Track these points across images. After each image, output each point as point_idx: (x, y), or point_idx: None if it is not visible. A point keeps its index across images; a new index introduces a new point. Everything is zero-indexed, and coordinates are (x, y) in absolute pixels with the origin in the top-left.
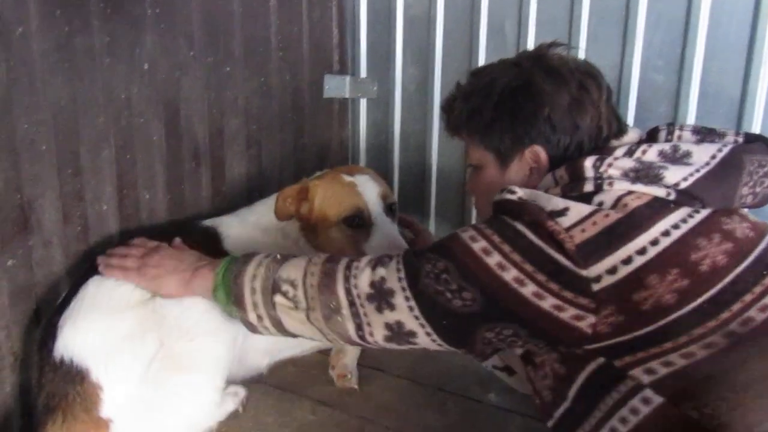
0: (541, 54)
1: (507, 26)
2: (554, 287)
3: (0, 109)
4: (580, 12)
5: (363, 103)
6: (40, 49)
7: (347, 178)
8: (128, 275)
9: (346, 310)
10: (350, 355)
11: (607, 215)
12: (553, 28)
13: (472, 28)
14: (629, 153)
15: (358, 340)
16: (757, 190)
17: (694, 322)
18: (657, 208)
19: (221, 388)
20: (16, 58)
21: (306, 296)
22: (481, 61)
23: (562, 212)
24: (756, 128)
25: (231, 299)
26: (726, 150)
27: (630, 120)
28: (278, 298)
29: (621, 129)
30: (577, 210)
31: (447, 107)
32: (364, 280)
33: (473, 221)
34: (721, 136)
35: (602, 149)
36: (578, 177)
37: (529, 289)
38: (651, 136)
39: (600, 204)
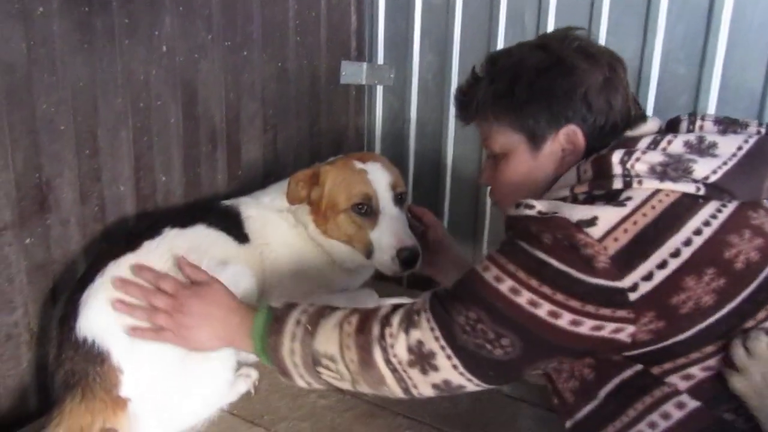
0: (567, 35)
1: (526, 15)
2: (590, 309)
3: (20, 88)
4: (601, 1)
5: (379, 90)
6: (60, 29)
7: (358, 165)
8: (164, 337)
9: (390, 379)
10: None
11: (635, 222)
12: (573, 18)
13: (491, 16)
14: (654, 144)
15: (408, 398)
16: None
17: (733, 323)
18: (686, 206)
19: (234, 367)
20: (36, 37)
21: (348, 370)
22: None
23: (592, 222)
24: None
25: (277, 370)
26: (752, 141)
27: (649, 112)
28: (322, 370)
29: (643, 114)
30: (607, 218)
31: (466, 92)
32: (401, 347)
33: (487, 212)
34: (744, 126)
35: (625, 142)
36: (605, 174)
37: (565, 320)
38: (671, 126)
39: (629, 198)
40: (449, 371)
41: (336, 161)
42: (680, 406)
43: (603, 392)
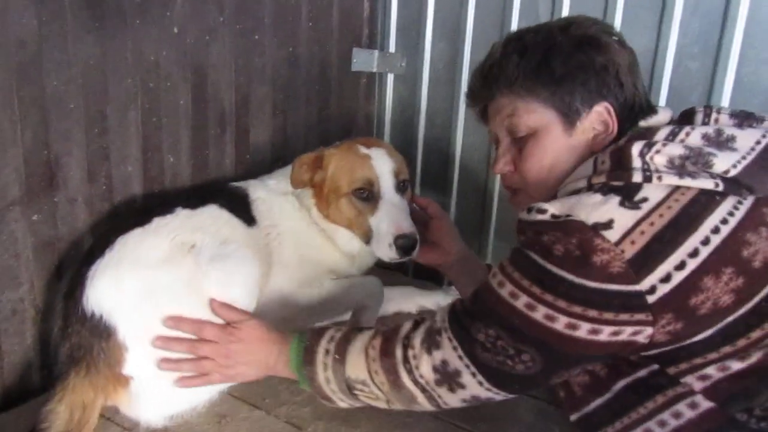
0: (588, 17)
1: (540, 6)
2: (608, 316)
3: (30, 65)
4: None
5: (390, 78)
6: (71, 7)
7: (362, 150)
8: (211, 380)
9: (420, 397)
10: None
11: (652, 223)
12: (587, 8)
13: (504, 6)
14: (672, 135)
15: (440, 410)
16: None
17: (752, 324)
18: (704, 203)
19: None
20: (47, 14)
21: (381, 391)
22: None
23: (608, 225)
24: None
25: (319, 397)
26: None
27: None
28: (358, 393)
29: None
30: (623, 221)
31: (490, 67)
32: (425, 368)
33: (495, 202)
34: (760, 120)
35: (644, 133)
36: (624, 166)
37: (583, 330)
38: (685, 118)
39: (644, 200)
40: (476, 387)
41: (340, 145)
42: (693, 406)
43: (614, 390)
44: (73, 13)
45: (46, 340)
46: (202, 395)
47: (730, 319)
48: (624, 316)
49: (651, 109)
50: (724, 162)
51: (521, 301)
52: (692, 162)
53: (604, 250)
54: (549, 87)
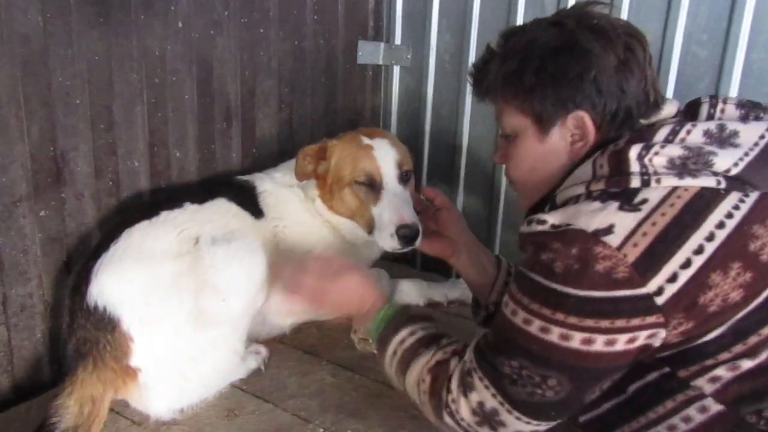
0: (583, 12)
1: None
2: (621, 324)
3: (36, 61)
4: None
5: (396, 70)
6: (76, 2)
7: (365, 141)
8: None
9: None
10: None
11: (654, 223)
12: None
13: None
14: (673, 135)
15: None
16: None
17: (762, 320)
18: (707, 199)
19: (244, 342)
20: (52, 9)
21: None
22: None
23: (609, 230)
24: None
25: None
26: None
27: (669, 95)
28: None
29: (663, 98)
30: (624, 225)
31: (479, 70)
32: (465, 412)
33: (502, 193)
34: (766, 111)
35: (642, 133)
36: (622, 171)
37: (599, 343)
38: (691, 109)
39: (644, 201)
40: (515, 423)
41: (343, 136)
42: (703, 410)
43: (627, 391)
44: (78, 8)
45: (56, 335)
46: (212, 388)
47: (740, 315)
48: (636, 321)
49: (654, 106)
50: (725, 161)
51: (535, 326)
52: (692, 162)
53: (606, 257)
54: (521, 95)
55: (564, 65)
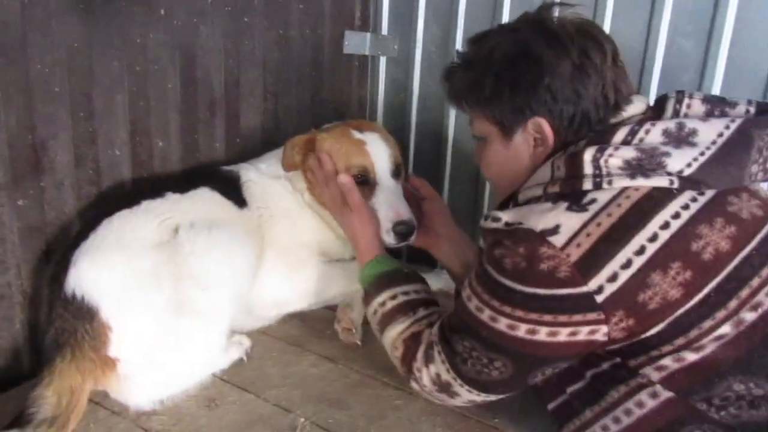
0: (539, 18)
1: None
2: (563, 319)
3: (14, 48)
4: None
5: (383, 61)
6: None
7: (357, 135)
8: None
9: (428, 397)
10: (358, 311)
11: (599, 224)
12: None
13: None
14: (631, 135)
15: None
16: None
17: (703, 315)
18: (657, 199)
19: (227, 333)
20: None
21: None
22: (505, 22)
23: (555, 230)
24: None
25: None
26: (734, 126)
27: (654, 87)
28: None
29: (627, 97)
30: (569, 225)
31: (448, 77)
32: (426, 380)
33: (487, 185)
34: (732, 106)
35: (601, 134)
36: (576, 173)
37: (542, 334)
38: (658, 106)
39: (592, 202)
40: (467, 394)
41: (333, 129)
42: (654, 395)
43: (581, 381)
44: None
45: (35, 325)
46: (192, 379)
47: (680, 311)
48: (577, 317)
49: (614, 108)
50: (678, 161)
51: (486, 314)
52: (645, 164)
53: (549, 257)
54: (482, 103)
55: (518, 74)
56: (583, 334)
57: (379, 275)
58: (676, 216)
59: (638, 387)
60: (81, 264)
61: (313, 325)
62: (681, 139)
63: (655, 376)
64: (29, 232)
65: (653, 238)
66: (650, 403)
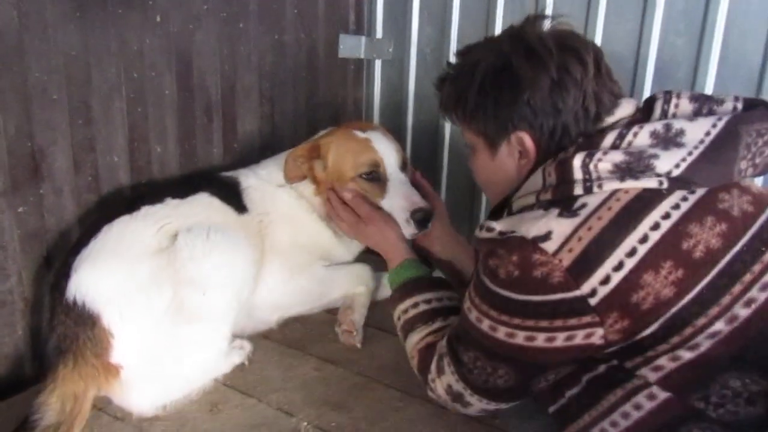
0: (520, 34)
1: None
2: (559, 323)
3: (11, 56)
4: None
5: (378, 64)
6: None
7: (361, 134)
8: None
9: (443, 404)
10: (359, 313)
11: (590, 228)
12: None
13: None
14: (620, 139)
15: None
16: (757, 161)
17: (696, 312)
18: (646, 200)
19: (229, 337)
20: (27, 4)
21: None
22: (499, 23)
23: (547, 236)
24: None
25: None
26: (721, 124)
27: (647, 85)
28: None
29: (613, 103)
30: (560, 231)
31: (439, 87)
32: (440, 390)
33: None
34: (720, 103)
35: (591, 139)
36: (567, 179)
37: (540, 340)
38: (647, 106)
39: (583, 206)
40: (479, 403)
41: (335, 132)
42: (651, 397)
43: (579, 385)
44: (54, 2)
45: (37, 332)
46: (194, 384)
47: (674, 310)
48: (572, 321)
49: (595, 119)
50: (666, 162)
51: (485, 324)
52: (634, 167)
53: (542, 264)
54: (468, 116)
55: (500, 89)
56: (579, 338)
57: (404, 282)
58: (666, 216)
59: (635, 389)
60: (82, 270)
61: (313, 328)
62: (669, 140)
63: (652, 376)
64: (30, 238)
65: (644, 239)
66: (648, 405)
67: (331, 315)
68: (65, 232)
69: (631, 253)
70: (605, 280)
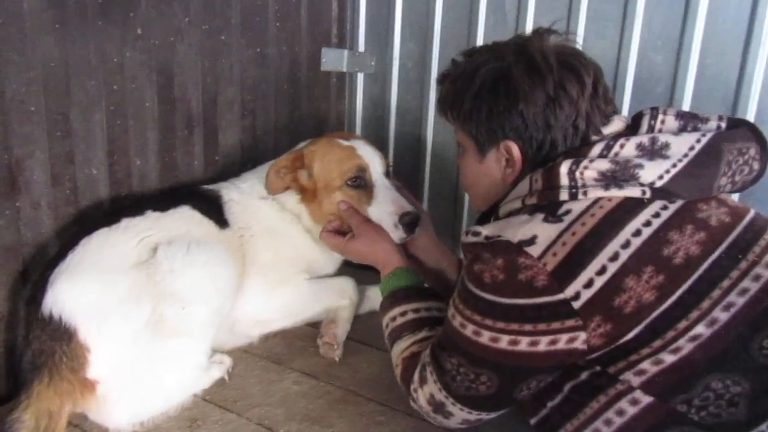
0: (525, 45)
1: (507, 2)
2: (542, 327)
3: None
4: None
5: (360, 77)
6: (30, 7)
7: (344, 143)
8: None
9: (425, 417)
10: (342, 327)
11: (574, 233)
12: (553, 5)
13: (471, 3)
14: (607, 149)
15: None
16: (737, 178)
17: (677, 316)
18: (628, 208)
19: (208, 352)
20: (5, 14)
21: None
22: (480, 38)
23: (532, 241)
24: (752, 111)
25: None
26: (705, 140)
27: (626, 100)
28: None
29: (604, 122)
30: (545, 235)
31: (440, 82)
32: (422, 401)
33: (466, 198)
34: (704, 121)
35: (579, 149)
36: (553, 185)
37: (523, 344)
38: (634, 122)
39: (567, 212)
40: (461, 413)
41: (317, 141)
42: (634, 402)
43: (561, 393)
44: (32, 14)
45: (12, 347)
46: (173, 399)
47: (655, 314)
48: (556, 325)
49: (583, 137)
50: (651, 173)
51: (469, 330)
52: (619, 175)
53: (527, 267)
54: (461, 118)
55: (495, 97)
56: (562, 342)
57: (394, 290)
58: (647, 224)
59: (618, 395)
60: (58, 284)
61: (294, 342)
62: (654, 152)
63: (635, 380)
64: (5, 252)
65: (626, 245)
66: (631, 410)
67: (313, 329)
68: (42, 246)
69: (614, 257)
70: (588, 284)
